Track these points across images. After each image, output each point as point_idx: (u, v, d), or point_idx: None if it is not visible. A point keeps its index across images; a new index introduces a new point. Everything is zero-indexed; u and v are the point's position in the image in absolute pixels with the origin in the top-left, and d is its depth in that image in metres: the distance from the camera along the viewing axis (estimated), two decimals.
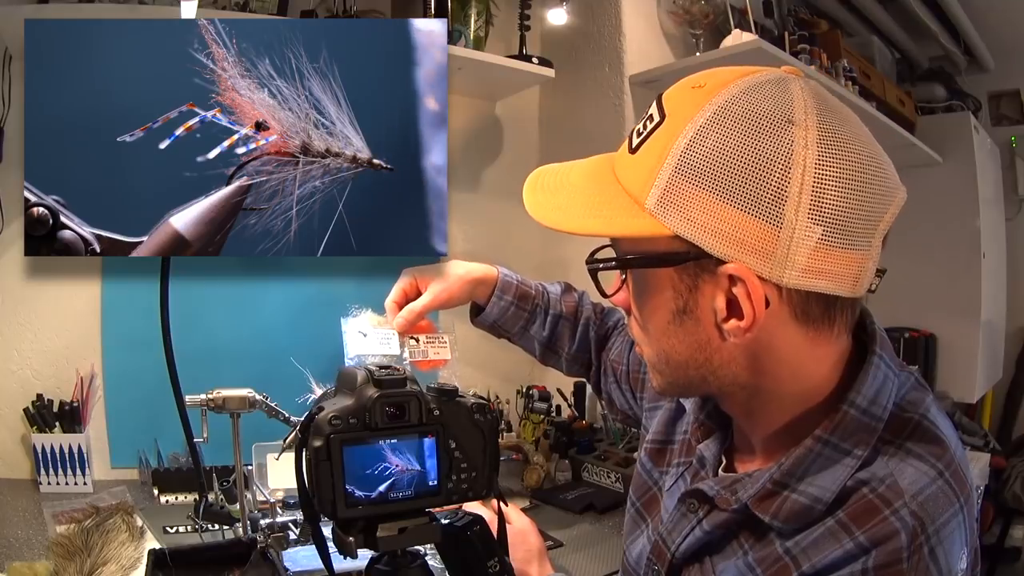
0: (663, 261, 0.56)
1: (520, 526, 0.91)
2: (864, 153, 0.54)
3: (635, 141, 0.58)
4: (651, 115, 0.57)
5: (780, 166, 0.51)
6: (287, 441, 1.06)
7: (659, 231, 0.54)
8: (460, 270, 1.02)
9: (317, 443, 0.62)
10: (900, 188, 0.57)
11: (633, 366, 0.95)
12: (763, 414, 0.62)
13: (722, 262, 0.53)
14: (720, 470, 0.68)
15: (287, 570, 1.06)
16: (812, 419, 0.59)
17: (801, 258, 0.52)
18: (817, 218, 0.51)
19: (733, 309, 0.55)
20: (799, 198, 0.51)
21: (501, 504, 0.77)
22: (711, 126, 0.53)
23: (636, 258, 0.59)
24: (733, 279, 0.53)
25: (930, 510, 0.53)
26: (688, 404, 0.75)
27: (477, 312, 1.06)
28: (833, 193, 0.51)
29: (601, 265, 0.61)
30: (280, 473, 1.35)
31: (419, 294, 1.00)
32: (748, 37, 1.61)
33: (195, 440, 1.22)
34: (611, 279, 0.64)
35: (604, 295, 0.65)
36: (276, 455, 1.29)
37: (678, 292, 0.57)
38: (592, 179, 0.61)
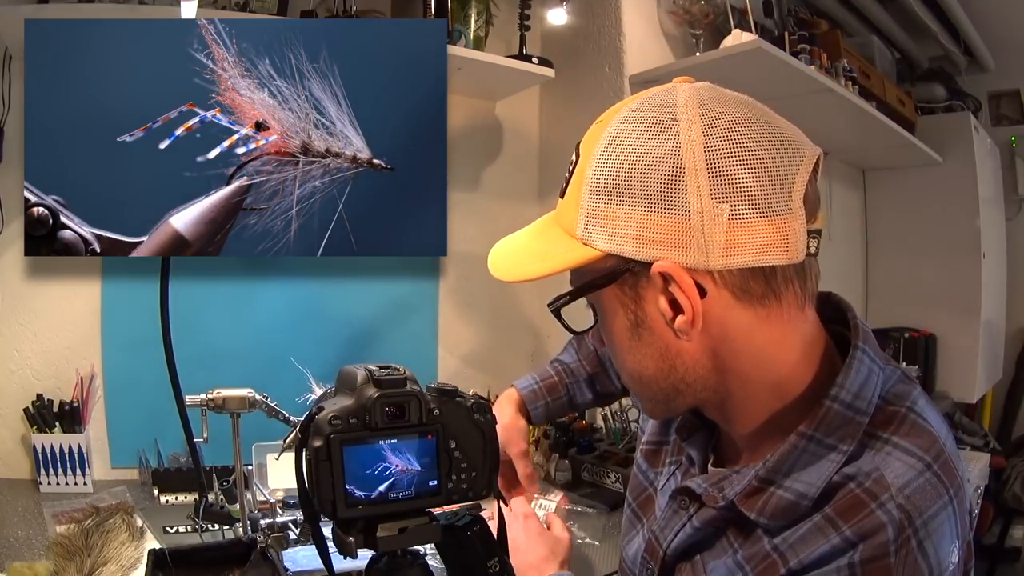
0: (604, 280, 0.59)
1: (557, 532, 0.97)
2: (753, 123, 0.55)
3: (562, 186, 0.62)
4: (571, 160, 0.62)
5: (670, 159, 0.54)
6: (287, 441, 1.06)
7: (591, 255, 0.58)
8: (505, 418, 1.07)
9: (317, 443, 0.62)
10: (809, 146, 0.57)
11: None
12: (740, 414, 0.63)
13: (650, 265, 0.56)
14: (710, 466, 0.69)
15: (287, 570, 1.06)
16: (795, 414, 0.59)
17: (719, 238, 0.53)
18: (720, 196, 0.53)
19: (676, 307, 0.57)
20: (697, 183, 0.53)
21: (501, 504, 0.77)
22: (610, 147, 0.57)
23: (580, 286, 0.61)
24: (665, 278, 0.55)
25: (917, 503, 0.53)
26: None
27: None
28: (729, 169, 0.53)
29: (558, 303, 0.63)
30: (280, 473, 1.35)
31: (510, 465, 1.03)
32: (748, 37, 1.61)
33: (195, 440, 1.22)
34: (581, 317, 0.67)
35: (572, 332, 0.66)
36: (276, 455, 1.29)
37: (626, 307, 0.59)
38: (538, 233, 0.66)
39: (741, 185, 0.53)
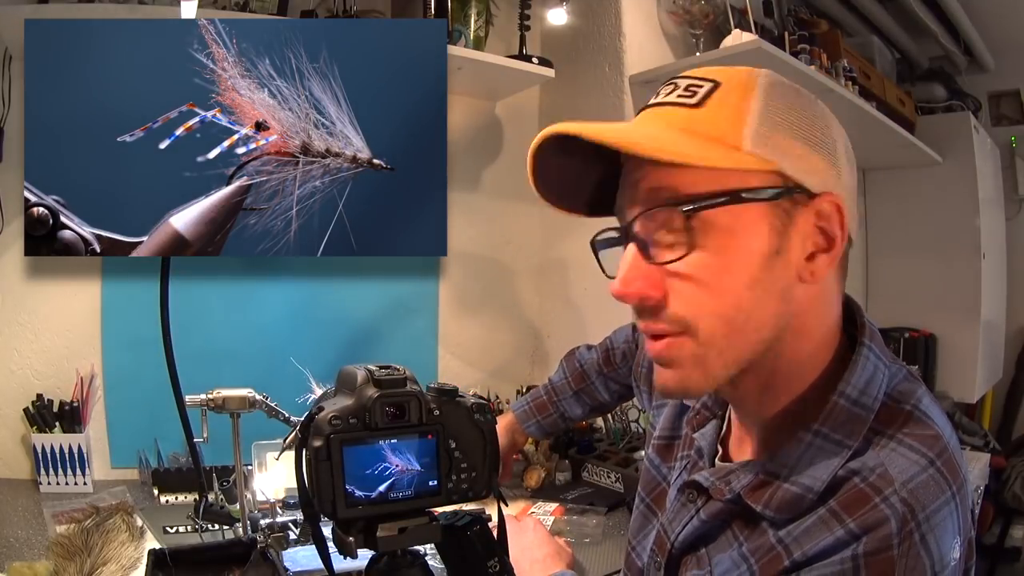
0: (768, 195, 0.56)
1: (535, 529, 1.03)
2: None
3: (692, 100, 0.59)
4: (695, 84, 0.60)
5: (824, 119, 0.60)
6: (287, 441, 1.06)
7: (762, 165, 0.56)
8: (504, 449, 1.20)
9: (317, 443, 0.62)
10: None
11: (644, 364, 0.98)
12: (774, 392, 0.62)
13: (812, 195, 0.57)
14: (717, 460, 0.69)
15: (287, 570, 1.06)
16: (804, 408, 0.61)
17: (849, 192, 0.60)
18: (847, 166, 0.61)
19: (819, 245, 0.58)
20: (839, 146, 0.60)
21: (501, 504, 0.77)
22: (777, 86, 0.60)
23: (733, 193, 0.55)
24: (821, 210, 0.58)
25: (920, 497, 0.54)
26: None
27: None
28: (849, 145, 0.62)
29: (703, 204, 0.55)
30: (280, 473, 1.35)
31: None
32: (748, 37, 1.61)
33: (195, 440, 1.22)
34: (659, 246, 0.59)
35: (647, 257, 0.58)
36: (276, 455, 1.29)
37: (774, 229, 0.56)
38: (664, 123, 0.59)
39: (853, 159, 0.62)
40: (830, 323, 0.62)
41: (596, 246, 0.68)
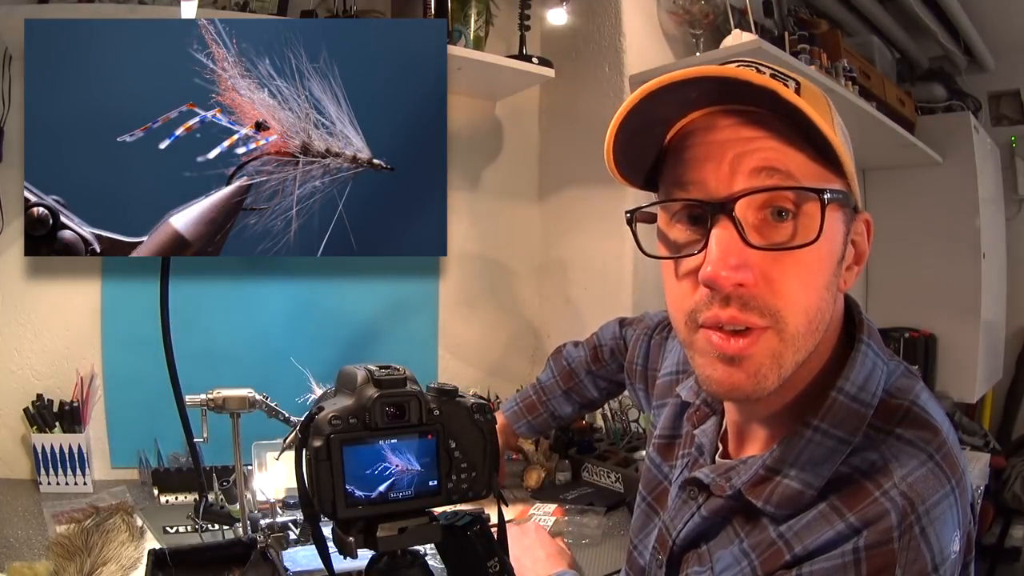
0: (851, 202, 0.58)
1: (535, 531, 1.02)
2: None
3: (791, 85, 0.55)
4: (780, 74, 0.56)
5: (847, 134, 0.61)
6: (287, 441, 1.06)
7: (851, 173, 0.56)
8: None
9: (317, 443, 0.62)
10: None
11: (640, 362, 0.99)
12: (782, 390, 0.60)
13: (858, 210, 0.60)
14: (717, 457, 0.70)
15: (287, 570, 1.06)
16: (803, 404, 0.61)
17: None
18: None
19: (854, 257, 0.61)
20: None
21: (502, 504, 0.77)
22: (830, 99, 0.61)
23: (849, 195, 0.57)
24: (857, 227, 0.60)
25: (920, 491, 0.54)
26: (685, 392, 0.77)
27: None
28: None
29: (833, 196, 0.53)
30: (280, 473, 1.35)
31: None
32: (748, 37, 1.61)
33: (195, 440, 1.22)
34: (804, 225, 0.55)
35: (817, 237, 0.53)
36: (276, 455, 1.29)
37: (843, 236, 0.59)
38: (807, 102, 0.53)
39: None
40: (836, 323, 0.63)
41: (636, 219, 0.61)
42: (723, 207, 0.54)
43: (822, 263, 0.55)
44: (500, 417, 1.25)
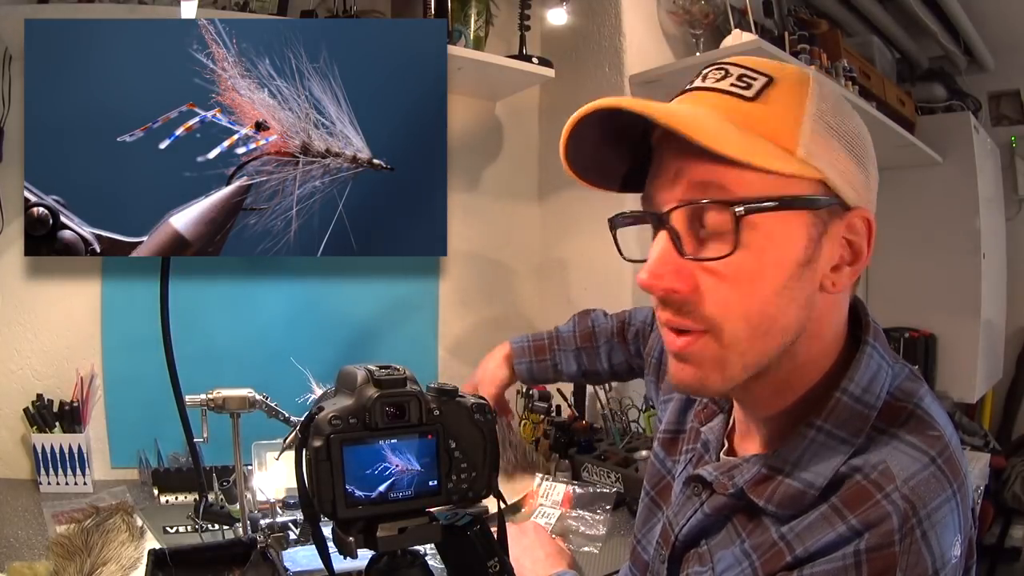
0: (812, 204, 0.56)
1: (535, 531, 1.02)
2: None
3: (747, 93, 0.57)
4: (748, 75, 0.58)
5: (865, 131, 0.60)
6: (287, 441, 1.06)
7: (811, 174, 0.56)
8: (491, 364, 1.19)
9: (317, 443, 0.62)
10: None
11: (656, 355, 0.98)
12: (771, 394, 0.62)
13: (848, 207, 0.58)
14: (721, 454, 0.70)
15: (287, 570, 1.06)
16: (808, 404, 0.61)
17: (874, 205, 0.60)
18: (876, 180, 0.61)
19: (845, 257, 0.59)
20: (873, 157, 0.61)
21: (501, 504, 0.77)
22: (824, 87, 0.59)
23: (795, 199, 0.55)
24: (852, 223, 0.58)
25: (922, 494, 0.54)
26: None
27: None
28: (873, 162, 0.61)
29: (752, 207, 0.54)
30: (280, 473, 1.35)
31: None
32: (748, 37, 1.61)
33: (195, 440, 1.22)
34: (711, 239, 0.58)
35: (680, 252, 0.57)
36: (276, 455, 1.29)
37: (810, 238, 0.57)
38: (725, 118, 0.56)
39: (877, 178, 0.62)
40: (839, 325, 0.63)
41: (615, 224, 0.66)
42: (661, 219, 0.58)
43: (764, 270, 0.56)
44: (506, 346, 1.20)
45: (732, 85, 0.57)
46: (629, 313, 1.19)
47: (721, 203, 0.55)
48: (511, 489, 1.00)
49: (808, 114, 0.56)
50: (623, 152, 0.63)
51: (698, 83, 0.60)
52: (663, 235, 0.58)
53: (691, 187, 0.56)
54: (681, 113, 0.55)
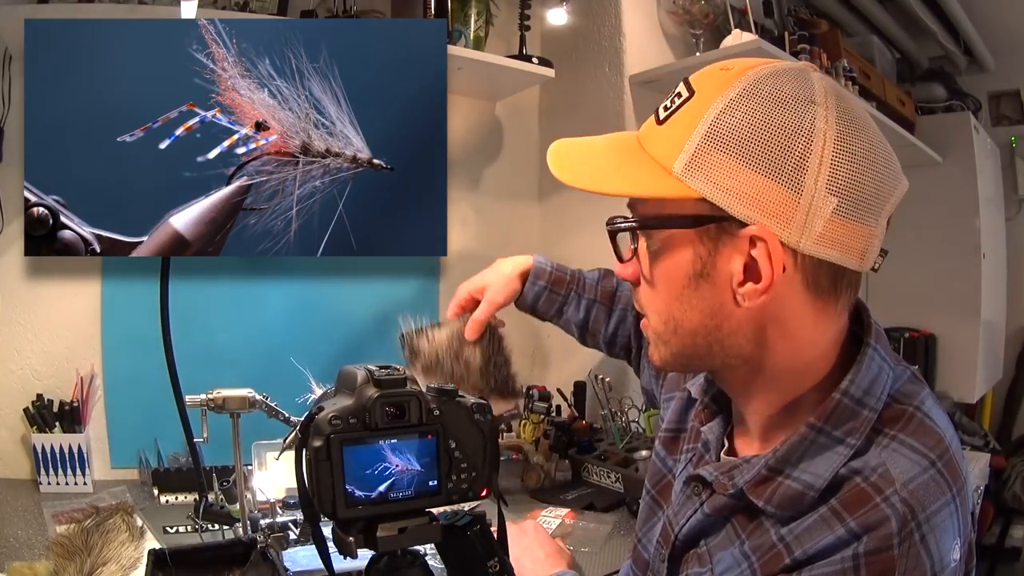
0: (686, 223, 0.58)
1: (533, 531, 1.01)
2: (876, 137, 0.58)
3: (662, 115, 0.61)
4: (679, 92, 0.60)
5: (803, 138, 0.54)
6: (287, 441, 1.06)
7: (685, 193, 0.57)
8: (507, 269, 1.13)
9: (317, 443, 0.62)
10: (903, 178, 0.60)
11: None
12: (761, 393, 0.64)
13: (744, 225, 0.56)
14: (722, 454, 0.70)
15: (287, 570, 1.06)
16: (807, 405, 0.61)
17: (817, 226, 0.55)
18: (833, 189, 0.54)
19: (750, 273, 0.57)
20: (819, 169, 0.54)
21: (501, 504, 0.77)
22: (740, 100, 0.56)
23: (658, 219, 0.61)
24: (754, 241, 0.56)
25: (921, 498, 0.54)
26: (694, 388, 0.77)
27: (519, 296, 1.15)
28: (848, 168, 0.55)
29: (621, 224, 0.63)
30: (280, 473, 1.35)
31: (476, 304, 1.12)
32: (748, 37, 1.61)
33: (195, 440, 1.22)
34: (627, 246, 0.67)
35: (619, 259, 0.66)
36: (276, 455, 1.29)
37: (698, 255, 0.59)
38: (617, 148, 0.64)
39: (853, 187, 0.55)
40: (814, 340, 0.61)
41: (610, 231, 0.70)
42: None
43: (657, 280, 0.63)
44: (529, 260, 1.13)
45: (664, 106, 0.61)
46: None
47: (609, 224, 0.64)
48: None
49: (699, 131, 0.56)
50: None
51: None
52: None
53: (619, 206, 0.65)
54: (577, 172, 0.64)
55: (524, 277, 1.13)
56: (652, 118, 0.62)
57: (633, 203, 0.63)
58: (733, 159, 0.55)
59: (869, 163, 0.56)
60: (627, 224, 0.63)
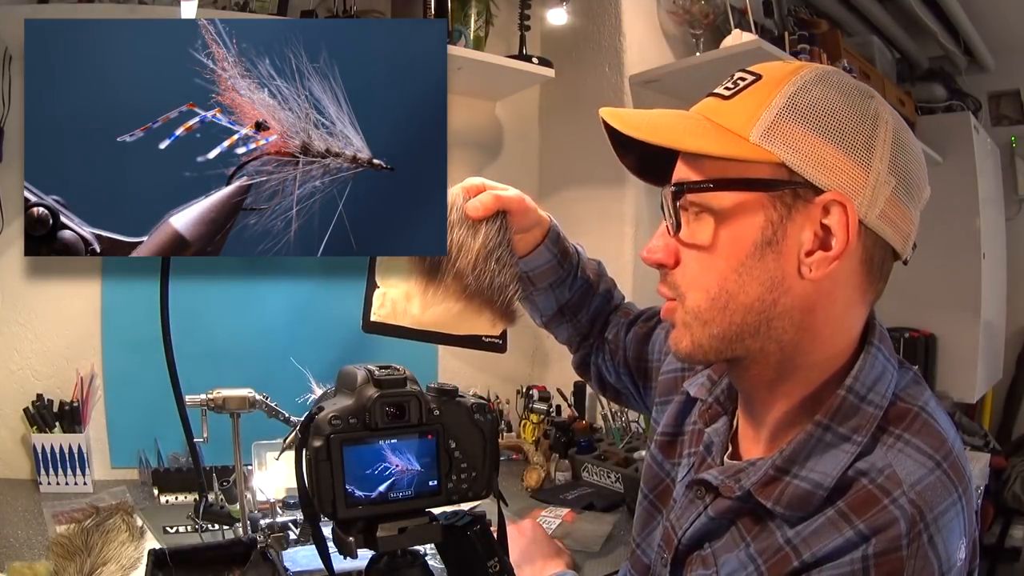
0: (766, 185, 0.58)
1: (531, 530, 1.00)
2: (915, 136, 0.63)
3: (726, 93, 0.62)
4: (741, 77, 0.62)
5: (871, 121, 0.59)
6: (287, 441, 1.06)
7: (764, 157, 0.58)
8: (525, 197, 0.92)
9: (317, 443, 0.62)
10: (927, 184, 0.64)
11: (632, 355, 0.94)
12: (784, 386, 0.63)
13: (820, 191, 0.57)
14: (725, 458, 0.70)
15: (287, 570, 1.06)
16: (813, 404, 0.62)
17: (880, 201, 0.58)
18: (894, 171, 0.59)
19: (819, 242, 0.58)
20: (883, 150, 0.58)
21: (502, 505, 0.77)
22: (815, 83, 0.60)
23: (735, 181, 0.59)
24: (828, 208, 0.57)
25: (928, 499, 0.54)
26: (694, 388, 0.77)
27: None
28: (904, 155, 0.59)
29: (694, 183, 0.61)
30: (280, 473, 1.35)
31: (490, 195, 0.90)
32: (748, 37, 1.61)
33: (195, 440, 1.22)
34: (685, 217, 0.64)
35: (675, 228, 0.63)
36: (276, 455, 1.29)
37: (769, 220, 0.58)
38: (680, 117, 0.63)
39: (907, 171, 0.59)
40: (847, 329, 0.62)
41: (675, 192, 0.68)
42: (662, 204, 0.64)
43: (721, 248, 0.60)
44: (546, 217, 0.96)
45: (724, 87, 0.62)
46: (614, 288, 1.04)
47: (676, 186, 0.62)
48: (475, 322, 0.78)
49: (774, 105, 0.58)
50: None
51: (715, 89, 0.65)
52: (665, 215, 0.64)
53: (676, 176, 0.63)
54: (640, 120, 0.63)
55: (536, 225, 0.94)
56: (711, 99, 0.63)
57: (687, 174, 0.62)
58: (811, 131, 0.57)
59: (916, 155, 0.61)
60: (703, 184, 0.60)
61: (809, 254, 0.58)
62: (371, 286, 0.89)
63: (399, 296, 0.84)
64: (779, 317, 0.60)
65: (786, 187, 0.58)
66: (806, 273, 0.58)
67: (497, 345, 0.80)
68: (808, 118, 0.58)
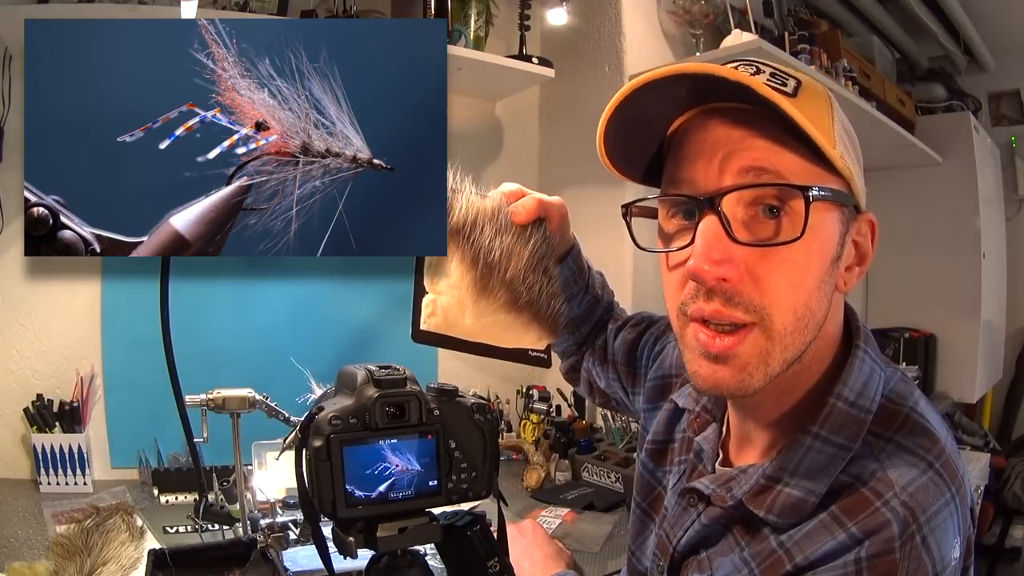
0: (846, 199, 0.58)
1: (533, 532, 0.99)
2: None
3: (786, 88, 0.55)
4: (779, 73, 0.57)
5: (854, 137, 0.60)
6: (287, 441, 1.06)
7: (846, 172, 0.56)
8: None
9: (317, 443, 0.62)
10: None
11: (622, 360, 0.93)
12: (776, 392, 0.61)
13: (861, 210, 0.59)
14: (716, 465, 0.69)
15: (287, 570, 1.06)
16: (802, 411, 0.61)
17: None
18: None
19: (857, 258, 0.60)
20: (859, 156, 0.61)
21: (502, 505, 0.77)
22: (834, 100, 0.60)
23: (835, 192, 0.55)
24: (862, 228, 0.60)
25: (921, 500, 0.54)
26: (681, 399, 0.76)
27: None
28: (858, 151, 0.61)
29: (819, 193, 0.53)
30: (280, 473, 1.35)
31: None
32: (748, 37, 1.61)
33: (195, 440, 1.22)
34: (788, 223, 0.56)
35: (794, 238, 0.53)
36: (276, 455, 1.29)
37: (840, 236, 0.58)
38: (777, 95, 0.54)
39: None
40: (839, 327, 0.63)
41: (631, 214, 0.62)
42: (710, 202, 0.55)
43: (811, 261, 0.55)
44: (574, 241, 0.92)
45: (768, 80, 0.55)
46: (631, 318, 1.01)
47: (791, 187, 0.53)
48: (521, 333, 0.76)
49: (836, 117, 0.58)
50: (645, 141, 0.63)
51: (726, 75, 0.55)
52: (712, 221, 0.54)
53: (742, 172, 0.54)
54: (787, 103, 0.52)
55: (564, 236, 0.91)
56: (774, 91, 0.52)
57: (775, 169, 0.54)
58: (850, 151, 0.58)
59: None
60: (824, 195, 0.53)
61: (849, 269, 0.60)
62: (419, 291, 0.83)
63: (451, 304, 0.79)
64: (818, 332, 0.58)
65: (851, 204, 0.58)
66: (841, 287, 0.59)
67: (543, 360, 0.79)
68: (848, 135, 0.59)
